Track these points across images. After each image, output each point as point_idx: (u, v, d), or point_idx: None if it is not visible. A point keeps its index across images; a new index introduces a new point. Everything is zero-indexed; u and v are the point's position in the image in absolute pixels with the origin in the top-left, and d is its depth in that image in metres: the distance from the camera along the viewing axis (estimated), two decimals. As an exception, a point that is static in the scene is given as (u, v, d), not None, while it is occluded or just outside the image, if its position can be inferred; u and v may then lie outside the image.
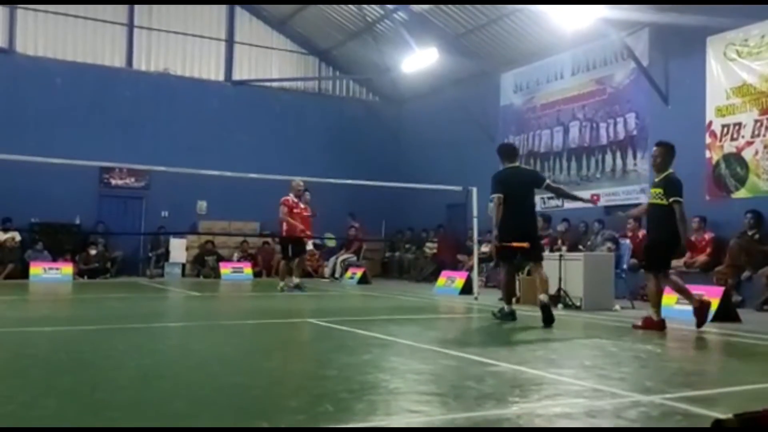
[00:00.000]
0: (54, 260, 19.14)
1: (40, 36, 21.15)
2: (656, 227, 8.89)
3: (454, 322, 10.23)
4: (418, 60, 19.67)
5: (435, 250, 20.39)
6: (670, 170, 8.82)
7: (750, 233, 12.80)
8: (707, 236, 13.67)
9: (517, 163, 9.85)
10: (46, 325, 8.67)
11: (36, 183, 18.63)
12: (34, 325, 8.53)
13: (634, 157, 16.08)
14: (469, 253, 16.61)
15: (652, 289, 8.94)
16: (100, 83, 21.33)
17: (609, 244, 14.01)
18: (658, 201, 8.70)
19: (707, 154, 14.40)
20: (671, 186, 8.65)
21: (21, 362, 5.80)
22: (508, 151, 9.89)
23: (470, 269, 15.22)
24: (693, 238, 13.88)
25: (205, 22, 23.36)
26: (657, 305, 8.86)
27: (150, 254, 21.05)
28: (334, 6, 21.87)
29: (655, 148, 9.14)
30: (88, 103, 21.00)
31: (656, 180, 8.92)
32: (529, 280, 12.69)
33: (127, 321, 9.12)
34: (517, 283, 12.97)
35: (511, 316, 9.36)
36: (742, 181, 13.78)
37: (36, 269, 18.39)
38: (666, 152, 8.95)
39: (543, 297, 8.97)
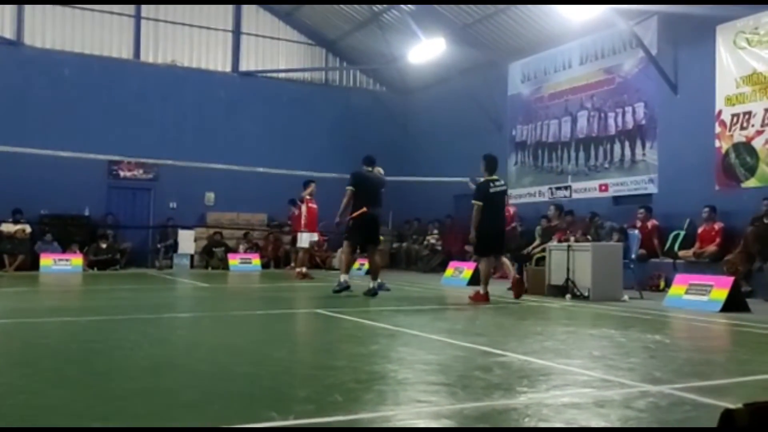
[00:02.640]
0: (63, 251, 19.23)
1: (48, 28, 21.17)
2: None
3: (462, 313, 10.23)
4: (426, 50, 19.62)
5: (434, 241, 20.45)
6: (483, 178, 11.19)
7: (767, 220, 12.72)
8: (717, 226, 13.61)
9: (371, 168, 12.20)
10: (57, 315, 8.71)
11: (45, 175, 18.70)
12: (45, 316, 8.58)
13: (643, 146, 16.02)
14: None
15: (484, 269, 11.15)
16: (108, 75, 21.37)
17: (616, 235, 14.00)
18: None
19: (717, 143, 14.34)
20: (475, 191, 11.16)
21: (32, 352, 5.84)
22: (366, 160, 12.27)
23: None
24: (702, 229, 13.87)
25: (212, 13, 23.35)
26: (486, 282, 10.96)
27: (159, 245, 21.11)
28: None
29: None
30: (96, 94, 21.04)
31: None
32: (536, 271, 12.72)
33: (137, 312, 9.16)
34: (525, 273, 13.05)
35: (347, 287, 11.33)
36: (752, 171, 13.72)
37: (46, 260, 18.49)
38: (484, 163, 11.31)
39: (372, 284, 11.51)
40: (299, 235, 16.75)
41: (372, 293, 11.44)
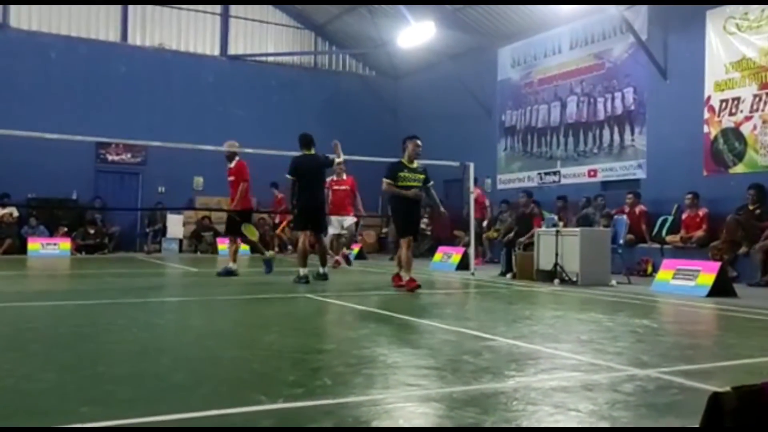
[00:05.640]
0: (51, 236, 19.17)
1: (34, 10, 21.00)
2: (418, 204, 10.89)
3: (451, 297, 10.25)
4: (415, 34, 19.54)
5: (423, 226, 20.40)
6: None
7: (752, 208, 12.78)
8: (701, 212, 13.66)
9: (312, 151, 11.68)
10: (46, 299, 8.67)
11: (33, 158, 18.60)
12: (33, 300, 8.54)
13: (632, 132, 16.05)
14: (466, 228, 16.60)
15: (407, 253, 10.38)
16: (95, 58, 21.25)
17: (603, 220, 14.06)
18: (419, 184, 10.55)
19: (705, 129, 14.38)
20: (427, 173, 10.79)
21: (21, 336, 5.81)
22: (303, 140, 11.72)
23: (467, 245, 15.24)
24: (686, 215, 13.92)
25: (201, -5, 23.23)
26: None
27: (147, 230, 21.08)
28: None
29: (419, 142, 10.77)
30: (83, 77, 20.94)
31: (414, 166, 10.63)
32: (525, 256, 12.75)
33: (125, 296, 9.13)
34: (513, 258, 13.08)
35: (305, 279, 10.94)
36: (740, 157, 13.77)
37: (34, 245, 18.49)
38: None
39: (321, 269, 11.51)
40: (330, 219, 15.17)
41: (323, 278, 11.46)
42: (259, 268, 12.94)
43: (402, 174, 10.45)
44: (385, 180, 10.45)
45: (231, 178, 12.74)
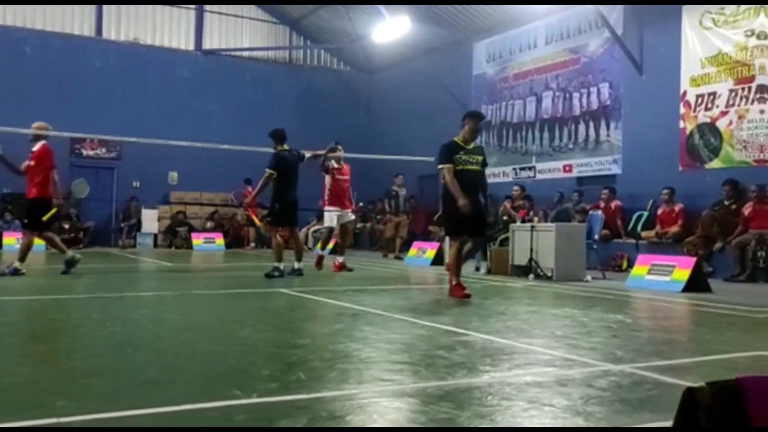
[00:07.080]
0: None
1: (9, 4, 20.77)
2: (478, 192, 8.87)
3: (425, 293, 10.25)
4: (390, 29, 19.54)
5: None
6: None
7: (727, 203, 12.87)
8: (677, 208, 13.74)
9: (286, 147, 11.72)
10: (20, 294, 8.60)
11: (7, 153, 18.38)
12: (8, 294, 8.45)
13: (608, 127, 16.12)
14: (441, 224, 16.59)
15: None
16: (70, 53, 21.12)
17: (577, 216, 14.14)
18: (478, 167, 8.92)
19: (681, 124, 14.44)
20: (485, 154, 9.24)
21: (-8, 332, 5.76)
22: (281, 136, 11.74)
23: (441, 240, 15.25)
24: (661, 210, 14.01)
25: (176, -11, 23.09)
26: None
27: (122, 225, 20.96)
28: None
29: (479, 122, 9.33)
30: (58, 72, 20.79)
31: (471, 147, 9.00)
32: (500, 251, 12.78)
33: (100, 290, 9.08)
34: (488, 253, 13.10)
35: (281, 273, 11.05)
36: (715, 152, 13.83)
37: (9, 239, 18.45)
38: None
39: (297, 264, 11.55)
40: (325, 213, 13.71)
41: (298, 273, 11.43)
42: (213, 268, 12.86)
43: (458, 156, 8.76)
44: (444, 166, 8.74)
45: (31, 163, 11.53)
